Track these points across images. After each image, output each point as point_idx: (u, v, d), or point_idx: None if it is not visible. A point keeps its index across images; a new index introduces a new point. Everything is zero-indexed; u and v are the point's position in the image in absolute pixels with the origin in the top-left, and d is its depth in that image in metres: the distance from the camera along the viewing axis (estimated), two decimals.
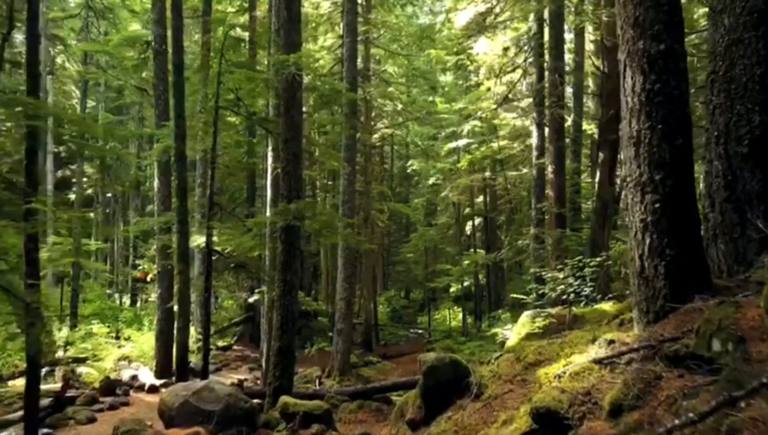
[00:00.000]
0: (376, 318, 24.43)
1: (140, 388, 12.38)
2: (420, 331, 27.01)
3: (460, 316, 25.12)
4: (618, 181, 14.20)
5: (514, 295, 20.06)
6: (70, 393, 11.04)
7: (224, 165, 11.46)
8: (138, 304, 27.95)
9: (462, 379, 5.32)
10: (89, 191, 35.09)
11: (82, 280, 27.82)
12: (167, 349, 13.10)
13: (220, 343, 18.18)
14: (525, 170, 22.59)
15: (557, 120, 13.90)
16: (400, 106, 25.37)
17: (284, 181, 8.35)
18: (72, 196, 34.78)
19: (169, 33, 12.45)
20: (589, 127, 19.55)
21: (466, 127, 22.22)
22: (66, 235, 22.36)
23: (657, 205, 3.90)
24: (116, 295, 29.44)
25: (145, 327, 19.25)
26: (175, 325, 10.73)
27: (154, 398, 12.79)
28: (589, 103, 22.36)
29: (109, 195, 35.38)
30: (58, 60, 26.77)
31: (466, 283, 25.54)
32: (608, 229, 13.47)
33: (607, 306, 10.83)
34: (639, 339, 3.71)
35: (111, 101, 31.31)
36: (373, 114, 25.54)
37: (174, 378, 11.29)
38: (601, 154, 13.49)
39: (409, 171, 34.50)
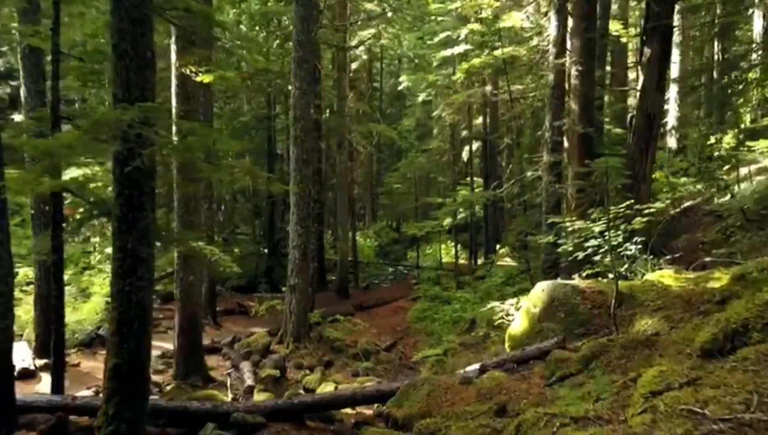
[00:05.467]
0: (355, 258, 21.17)
1: None
2: (409, 267, 23.95)
3: (453, 251, 21.87)
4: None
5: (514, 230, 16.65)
6: None
7: (75, 56, 7.60)
8: (97, 239, 24.62)
9: None
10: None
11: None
12: (50, 319, 9.69)
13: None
14: (532, 84, 18.54)
15: (586, 0, 9.84)
16: (388, 11, 20.83)
17: (117, 74, 4.58)
18: (17, 117, 30.87)
19: None
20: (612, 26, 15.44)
21: (464, 32, 18.00)
22: None
23: None
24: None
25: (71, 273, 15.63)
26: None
27: (28, 387, 9.57)
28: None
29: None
30: None
31: (461, 215, 22.15)
32: (652, 155, 9.74)
33: (666, 276, 7.21)
34: None
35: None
36: (357, 20, 21.07)
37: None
38: (647, 50, 9.53)
39: (400, 89, 30.46)
